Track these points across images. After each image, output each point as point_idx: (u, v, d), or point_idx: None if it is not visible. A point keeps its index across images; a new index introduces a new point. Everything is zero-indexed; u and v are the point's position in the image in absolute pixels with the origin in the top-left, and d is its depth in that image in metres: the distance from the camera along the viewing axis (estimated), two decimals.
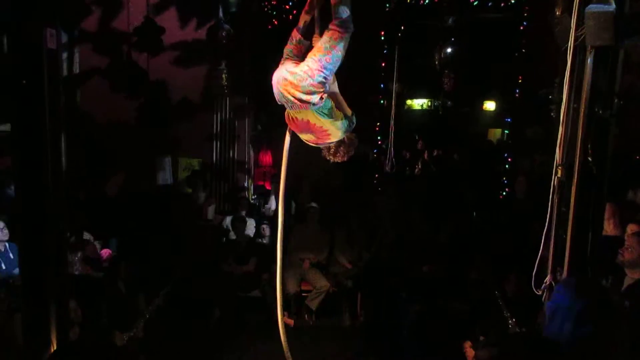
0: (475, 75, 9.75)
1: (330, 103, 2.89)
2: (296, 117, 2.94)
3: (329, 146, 3.10)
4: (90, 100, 7.64)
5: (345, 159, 3.16)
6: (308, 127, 2.94)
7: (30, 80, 3.04)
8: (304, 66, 2.78)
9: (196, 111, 7.75)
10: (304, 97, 2.77)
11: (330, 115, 2.89)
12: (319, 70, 2.74)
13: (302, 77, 2.76)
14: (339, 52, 2.76)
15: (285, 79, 2.79)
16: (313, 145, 3.10)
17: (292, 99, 2.79)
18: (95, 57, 7.58)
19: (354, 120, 3.02)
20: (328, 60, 2.75)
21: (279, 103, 2.93)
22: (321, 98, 2.80)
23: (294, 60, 2.88)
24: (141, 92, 7.24)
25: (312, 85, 2.75)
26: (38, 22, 3.05)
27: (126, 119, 7.53)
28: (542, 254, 3.58)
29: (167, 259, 6.51)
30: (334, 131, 2.95)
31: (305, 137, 3.04)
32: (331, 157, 3.16)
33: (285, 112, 3.00)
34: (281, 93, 2.82)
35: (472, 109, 11.10)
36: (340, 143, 3.07)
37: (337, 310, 6.46)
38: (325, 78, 2.76)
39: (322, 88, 2.78)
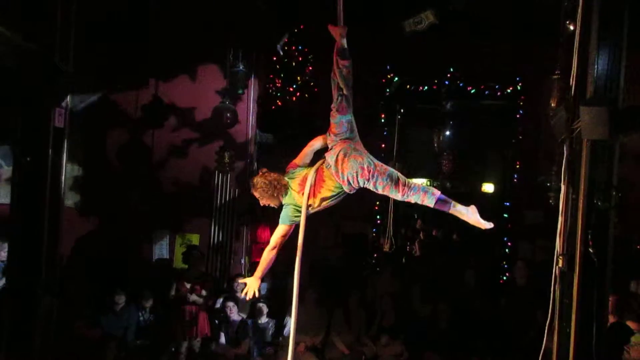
0: (473, 157, 9.90)
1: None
2: (323, 173, 3.26)
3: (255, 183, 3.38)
4: (92, 170, 7.70)
5: (263, 202, 3.41)
6: (321, 182, 3.26)
7: (35, 157, 3.07)
8: (365, 162, 3.15)
9: (198, 187, 7.78)
10: (342, 177, 3.17)
11: (335, 198, 3.30)
12: (367, 178, 3.12)
13: (354, 167, 3.13)
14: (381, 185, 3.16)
15: (346, 158, 3.16)
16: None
17: (335, 167, 3.18)
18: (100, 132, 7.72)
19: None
20: (375, 183, 3.15)
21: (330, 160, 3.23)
22: (350, 191, 3.26)
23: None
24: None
25: (353, 179, 3.14)
26: (48, 101, 3.13)
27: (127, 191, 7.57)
28: (546, 345, 3.46)
29: (159, 336, 6.30)
30: (324, 196, 3.28)
31: (305, 177, 3.29)
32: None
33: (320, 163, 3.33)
34: (337, 159, 3.18)
35: (470, 190, 11.15)
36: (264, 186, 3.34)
37: None
38: (364, 185, 3.18)
39: (356, 186, 3.20)
